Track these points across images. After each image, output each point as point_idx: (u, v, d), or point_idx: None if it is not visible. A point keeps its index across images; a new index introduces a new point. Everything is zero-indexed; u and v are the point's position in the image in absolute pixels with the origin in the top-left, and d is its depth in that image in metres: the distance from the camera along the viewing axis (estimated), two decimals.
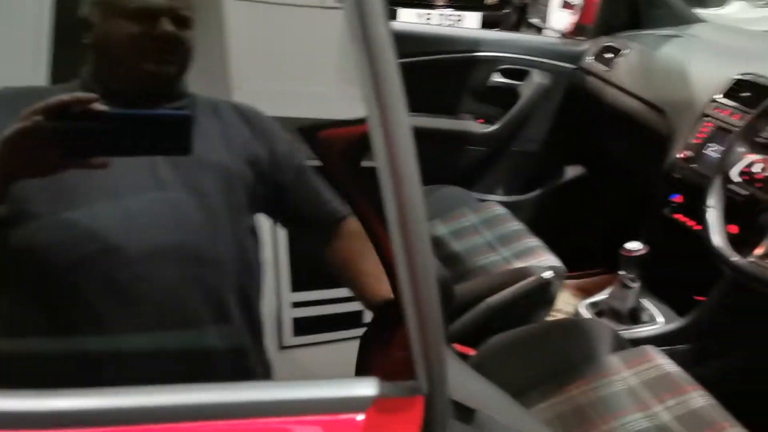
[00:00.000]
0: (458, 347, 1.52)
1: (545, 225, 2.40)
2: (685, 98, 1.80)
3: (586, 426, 1.31)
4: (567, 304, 2.27)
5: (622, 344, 1.48)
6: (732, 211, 1.50)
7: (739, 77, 1.69)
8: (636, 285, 1.66)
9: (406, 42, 2.11)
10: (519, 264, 1.80)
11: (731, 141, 1.37)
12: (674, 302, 1.74)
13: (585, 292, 2.33)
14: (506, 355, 1.44)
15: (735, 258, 1.28)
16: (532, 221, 2.37)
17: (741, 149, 1.36)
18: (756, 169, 1.31)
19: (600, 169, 2.37)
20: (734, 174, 1.35)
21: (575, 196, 2.38)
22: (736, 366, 1.56)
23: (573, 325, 1.49)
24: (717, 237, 1.32)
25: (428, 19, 4.98)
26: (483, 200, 2.16)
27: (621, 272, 1.67)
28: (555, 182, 2.36)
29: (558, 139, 2.34)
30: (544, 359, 1.44)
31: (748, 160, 1.33)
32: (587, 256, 2.43)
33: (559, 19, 2.57)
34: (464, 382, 0.82)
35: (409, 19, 4.77)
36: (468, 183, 2.27)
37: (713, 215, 1.34)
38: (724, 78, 1.72)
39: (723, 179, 1.37)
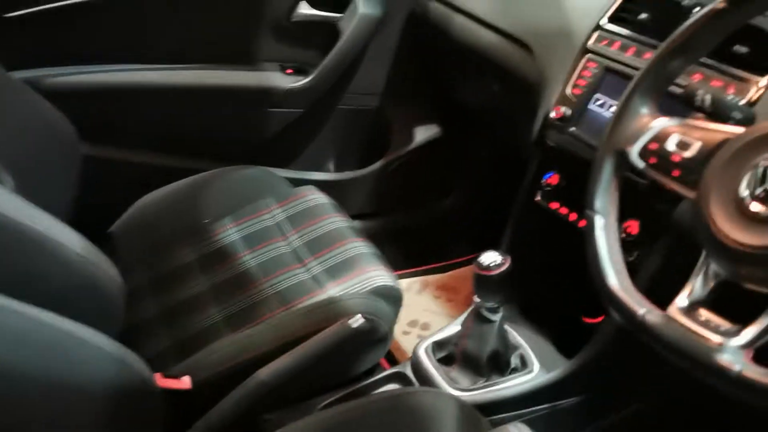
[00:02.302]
0: None
1: (389, 208, 1.83)
2: (557, 27, 1.22)
3: None
4: (426, 312, 1.71)
5: (475, 424, 0.92)
6: (631, 197, 0.96)
7: None
8: (498, 317, 1.10)
9: None
10: (333, 287, 1.21)
11: (628, 95, 0.80)
12: (558, 331, 1.20)
13: (448, 290, 1.79)
14: None
15: (642, 311, 0.72)
16: (370, 205, 1.80)
17: (643, 109, 0.79)
18: (670, 145, 0.75)
19: (459, 128, 1.79)
20: (634, 153, 0.78)
21: (427, 166, 1.79)
22: None
23: (390, 404, 0.91)
24: (610, 272, 0.76)
25: None
26: (298, 181, 1.55)
27: (476, 299, 1.10)
28: (399, 150, 1.76)
29: (400, 90, 1.73)
30: None
31: (655, 129, 0.77)
32: (448, 242, 1.88)
33: None
34: None
35: None
36: (276, 160, 1.64)
37: (601, 227, 0.78)
38: None
39: (617, 160, 0.80)
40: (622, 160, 0.79)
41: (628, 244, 1.02)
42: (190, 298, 1.26)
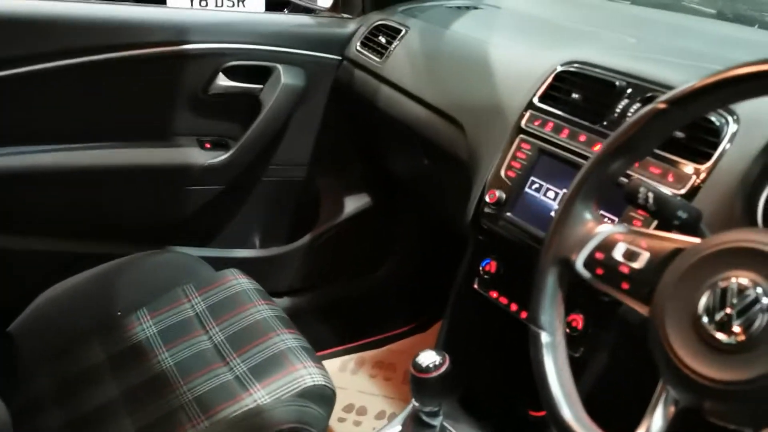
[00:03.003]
0: None
1: (319, 283, 1.74)
2: (488, 104, 1.18)
3: None
4: (362, 394, 1.62)
5: None
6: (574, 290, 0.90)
7: (563, 69, 1.10)
8: (438, 420, 1.02)
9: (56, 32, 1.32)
10: (259, 390, 1.10)
11: (568, 200, 0.74)
12: (503, 427, 1.13)
13: (385, 368, 1.70)
14: None
15: None
16: (299, 280, 1.70)
17: (586, 214, 0.73)
18: (617, 254, 0.69)
19: (390, 198, 1.72)
20: (580, 263, 0.72)
21: (359, 237, 1.72)
22: None
23: None
24: (561, 400, 0.69)
25: (205, 3, 4.16)
26: (221, 261, 1.44)
27: (414, 403, 1.02)
28: (329, 222, 1.68)
29: (327, 160, 1.66)
30: None
31: (600, 236, 0.71)
32: (382, 314, 1.80)
33: None
34: None
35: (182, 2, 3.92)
36: (196, 239, 1.54)
37: (548, 346, 0.72)
38: (542, 71, 1.11)
39: (561, 270, 0.74)
40: (566, 270, 0.73)
41: (572, 339, 0.96)
42: (99, 408, 1.13)
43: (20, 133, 1.34)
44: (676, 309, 0.62)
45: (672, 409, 0.64)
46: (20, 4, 1.29)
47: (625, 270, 0.68)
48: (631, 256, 0.69)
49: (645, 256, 0.68)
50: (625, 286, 0.68)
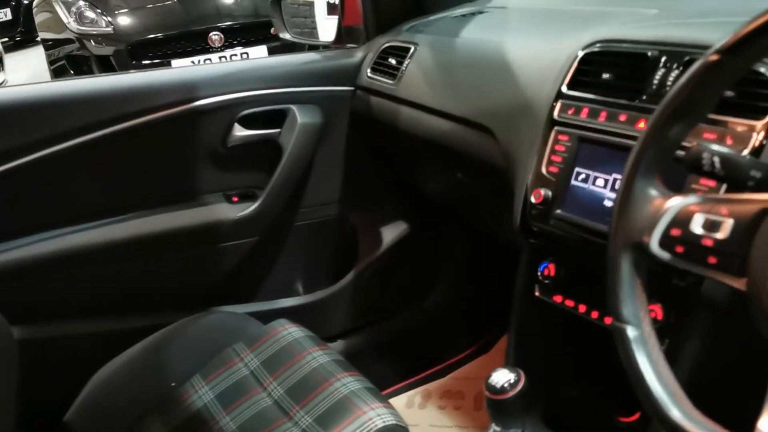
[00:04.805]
0: None
1: (371, 319, 1.68)
2: (514, 103, 1.12)
3: None
4: (434, 428, 1.54)
5: None
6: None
7: (587, 51, 1.04)
8: None
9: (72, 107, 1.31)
10: None
11: (628, 177, 0.67)
12: None
13: (453, 397, 1.62)
14: None
15: None
16: (350, 320, 1.65)
17: (651, 190, 0.67)
18: (696, 227, 0.63)
19: (428, 221, 1.67)
20: (655, 244, 0.66)
21: (403, 267, 1.66)
22: None
23: None
24: (666, 399, 0.61)
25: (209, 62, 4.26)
26: (268, 314, 1.40)
27: (495, 428, 0.94)
28: (370, 255, 1.63)
29: (358, 193, 1.62)
30: None
31: (672, 211, 0.65)
32: (441, 342, 1.74)
33: (328, 30, 1.83)
34: None
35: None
36: (239, 295, 1.50)
37: (637, 341, 0.65)
38: (565, 58, 1.06)
39: (634, 255, 0.67)
40: (640, 255, 0.66)
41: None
42: None
43: (44, 219, 1.32)
44: None
45: None
46: (20, 90, 1.28)
47: (708, 243, 0.61)
48: (712, 226, 0.62)
49: (728, 224, 0.61)
50: (713, 260, 0.61)
